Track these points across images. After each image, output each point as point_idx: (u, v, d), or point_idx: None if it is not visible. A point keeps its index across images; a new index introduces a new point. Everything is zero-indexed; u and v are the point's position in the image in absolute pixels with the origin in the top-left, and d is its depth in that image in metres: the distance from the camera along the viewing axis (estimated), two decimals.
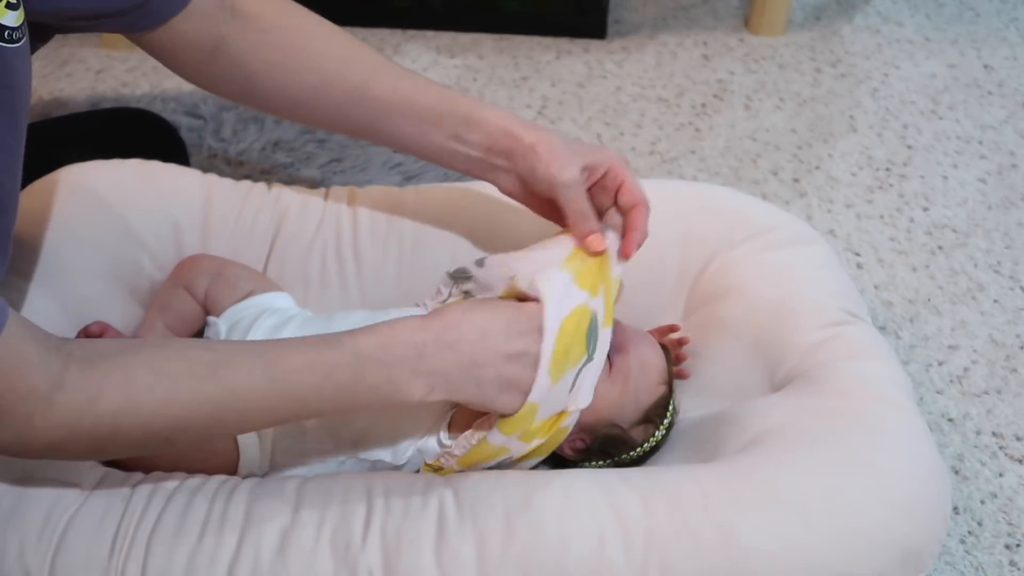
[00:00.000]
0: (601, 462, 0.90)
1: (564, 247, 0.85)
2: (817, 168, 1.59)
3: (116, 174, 1.00)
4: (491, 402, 0.77)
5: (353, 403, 0.74)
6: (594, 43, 1.93)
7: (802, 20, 2.00)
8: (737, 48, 1.92)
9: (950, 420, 1.17)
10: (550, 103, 1.75)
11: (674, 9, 2.03)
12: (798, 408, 0.85)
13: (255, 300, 0.97)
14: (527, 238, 0.90)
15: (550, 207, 0.88)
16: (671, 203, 1.04)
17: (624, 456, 0.90)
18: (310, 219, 1.06)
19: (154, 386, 0.67)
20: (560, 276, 0.80)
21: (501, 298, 0.82)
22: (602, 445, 0.88)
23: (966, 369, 1.24)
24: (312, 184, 1.46)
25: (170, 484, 0.77)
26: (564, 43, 1.92)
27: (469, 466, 0.81)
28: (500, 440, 0.79)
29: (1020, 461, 1.12)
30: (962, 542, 1.03)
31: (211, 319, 0.96)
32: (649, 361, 0.91)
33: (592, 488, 0.77)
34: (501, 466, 0.83)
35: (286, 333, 0.91)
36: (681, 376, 0.97)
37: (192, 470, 0.80)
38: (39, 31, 0.71)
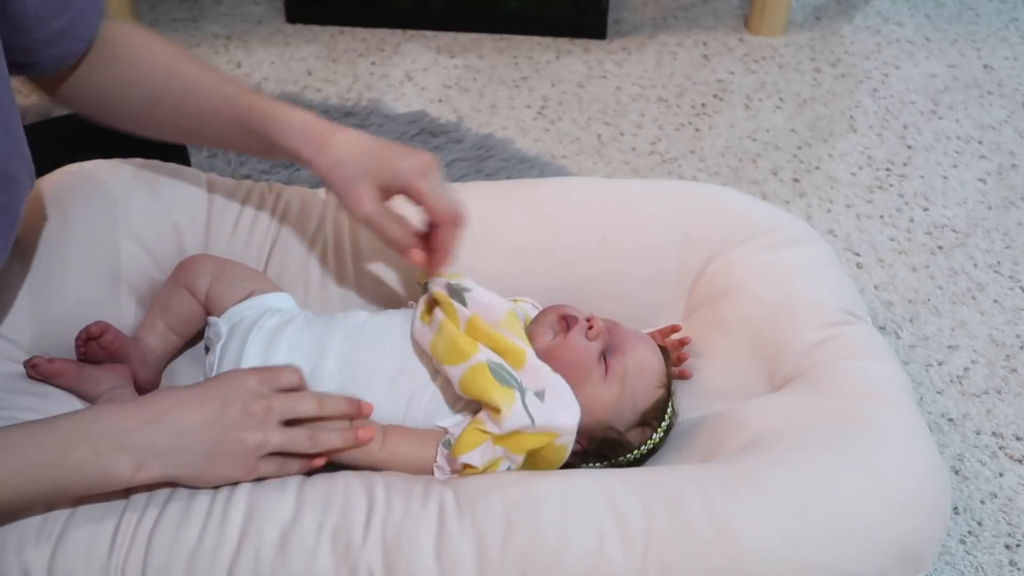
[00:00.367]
0: (599, 464, 0.90)
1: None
2: (817, 168, 1.59)
3: (116, 174, 0.99)
4: (202, 475, 0.75)
5: (60, 485, 0.71)
6: (594, 43, 1.93)
7: (802, 20, 2.00)
8: (737, 48, 1.92)
9: (950, 420, 1.17)
10: (550, 103, 1.75)
11: (674, 9, 2.04)
12: (798, 408, 0.85)
13: (256, 300, 0.97)
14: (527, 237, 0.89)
15: None
16: (671, 203, 1.04)
17: (621, 459, 0.90)
18: (310, 219, 1.06)
19: None
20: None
21: None
22: (599, 448, 0.88)
23: (966, 369, 1.24)
24: (312, 184, 1.46)
25: None
26: (564, 43, 1.92)
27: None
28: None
29: (1020, 461, 1.12)
30: (962, 542, 1.03)
31: (212, 319, 0.96)
32: (646, 363, 0.90)
33: (591, 488, 0.77)
34: None
35: (288, 333, 0.91)
36: (683, 377, 0.97)
37: None
38: None
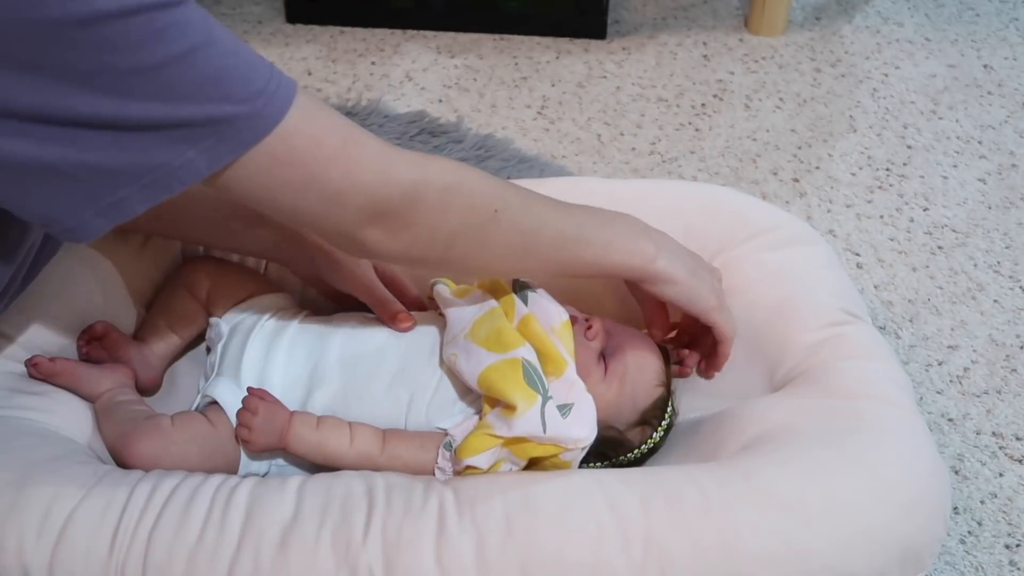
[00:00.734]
0: (599, 463, 0.90)
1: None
2: (817, 168, 1.59)
3: None
4: (697, 286, 0.87)
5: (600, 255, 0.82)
6: (594, 43, 1.93)
7: (802, 20, 2.00)
8: (737, 48, 1.92)
9: (950, 420, 1.17)
10: (550, 103, 1.75)
11: (674, 9, 2.04)
12: (798, 408, 0.85)
13: (256, 301, 0.97)
14: None
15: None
16: (671, 203, 1.04)
17: (622, 458, 0.90)
18: None
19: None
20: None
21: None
22: (599, 447, 0.88)
23: (966, 369, 1.24)
24: None
25: (171, 482, 0.76)
26: (564, 43, 1.92)
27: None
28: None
29: (1020, 461, 1.12)
30: (962, 542, 1.03)
31: (213, 320, 0.96)
32: (646, 361, 0.90)
33: (592, 488, 0.77)
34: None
35: (287, 335, 0.91)
36: (683, 375, 0.97)
37: (193, 468, 0.80)
38: None
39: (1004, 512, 1.06)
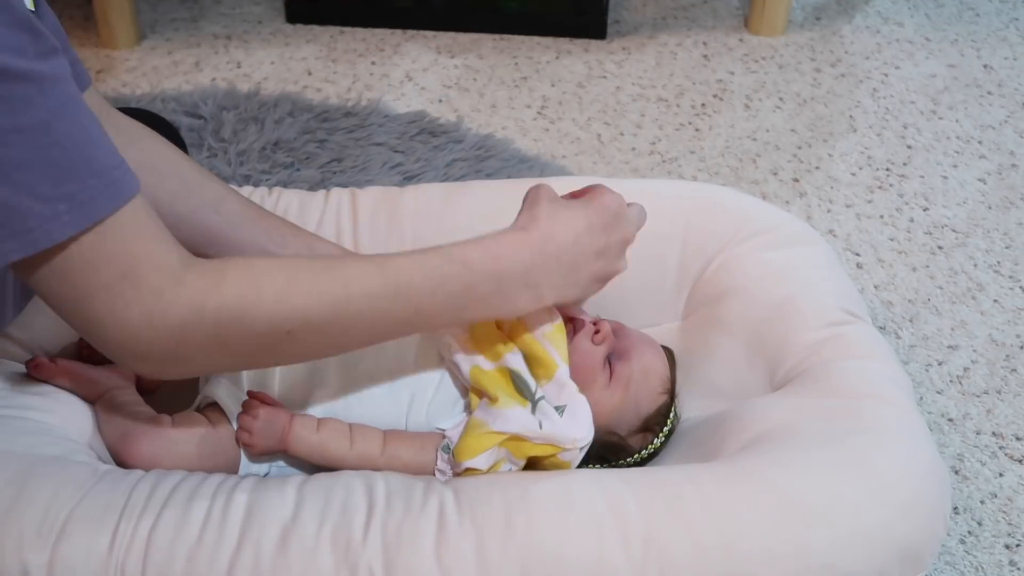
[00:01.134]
0: (599, 467, 0.90)
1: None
2: (817, 168, 1.59)
3: None
4: (584, 296, 0.82)
5: (462, 313, 0.77)
6: (594, 43, 1.93)
7: (802, 20, 2.00)
8: (737, 48, 1.92)
9: (950, 420, 1.17)
10: (550, 103, 1.75)
11: (674, 9, 2.04)
12: (798, 408, 0.85)
13: None
14: None
15: None
16: (671, 203, 1.04)
17: (622, 462, 0.90)
18: (310, 219, 1.06)
19: (275, 273, 0.70)
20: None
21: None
22: (599, 452, 0.88)
23: (966, 369, 1.24)
24: (312, 184, 1.46)
25: (171, 481, 0.76)
26: (564, 43, 1.92)
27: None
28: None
29: (1020, 461, 1.12)
30: (962, 542, 1.03)
31: None
32: (652, 368, 0.90)
33: (592, 488, 0.77)
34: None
35: None
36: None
37: (193, 468, 0.80)
38: None
39: (1004, 512, 1.06)
